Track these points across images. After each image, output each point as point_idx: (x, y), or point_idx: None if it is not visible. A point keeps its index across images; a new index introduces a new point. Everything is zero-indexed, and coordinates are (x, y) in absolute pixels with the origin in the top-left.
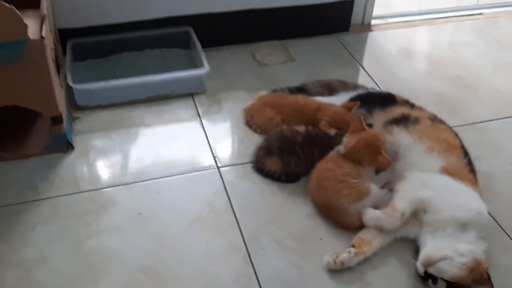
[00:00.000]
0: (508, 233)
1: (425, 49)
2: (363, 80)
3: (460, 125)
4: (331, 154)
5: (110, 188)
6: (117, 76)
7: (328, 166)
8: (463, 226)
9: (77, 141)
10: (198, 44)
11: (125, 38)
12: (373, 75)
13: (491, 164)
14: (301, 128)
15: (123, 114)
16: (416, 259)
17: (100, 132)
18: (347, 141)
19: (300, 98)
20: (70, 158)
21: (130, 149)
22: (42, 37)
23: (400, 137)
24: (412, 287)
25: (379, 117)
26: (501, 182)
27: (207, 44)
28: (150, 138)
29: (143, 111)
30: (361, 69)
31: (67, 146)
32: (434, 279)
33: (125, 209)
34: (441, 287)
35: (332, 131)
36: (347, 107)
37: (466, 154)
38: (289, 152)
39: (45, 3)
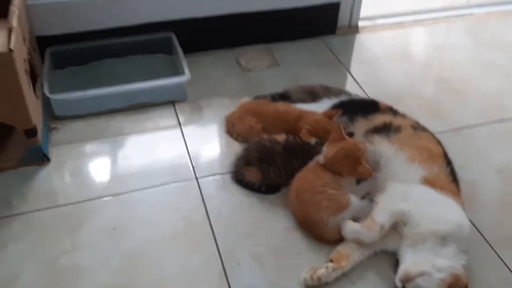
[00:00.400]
0: (492, 245)
1: (413, 51)
2: (348, 84)
3: (444, 131)
4: (311, 165)
5: (86, 202)
6: (99, 84)
7: (307, 177)
8: (443, 239)
9: (54, 152)
10: (180, 50)
11: (106, 44)
12: (359, 79)
13: (476, 172)
14: (281, 138)
15: (101, 124)
16: (394, 273)
17: (77, 143)
18: (327, 151)
19: (281, 106)
20: (46, 171)
21: (107, 160)
22: (10, 50)
23: (381, 147)
24: None
25: (361, 125)
26: (485, 191)
27: (190, 49)
28: (128, 148)
29: (121, 121)
30: (347, 73)
31: (43, 159)
32: None
33: (100, 224)
34: None
35: (313, 140)
36: (328, 115)
37: (449, 163)
38: (269, 163)
39: (16, 12)
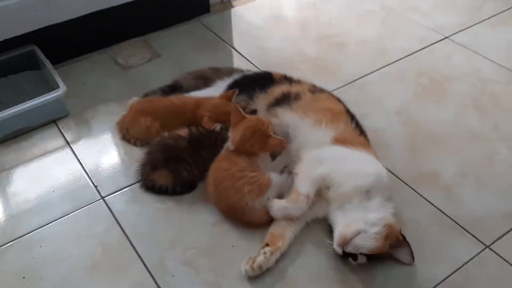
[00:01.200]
0: (410, 185)
1: (289, 15)
2: (236, 61)
3: (339, 87)
4: (222, 153)
5: None
6: None
7: (222, 166)
8: (367, 193)
9: None
10: (47, 62)
11: None
12: (245, 53)
13: (378, 119)
14: (184, 132)
15: None
16: (330, 239)
17: None
18: (233, 136)
19: (175, 98)
20: None
21: None
22: None
23: (286, 117)
24: (334, 269)
25: (261, 101)
26: (391, 135)
27: (59, 60)
28: (16, 183)
29: (1, 154)
30: (231, 49)
31: None
32: (354, 256)
33: (5, 277)
34: (362, 261)
35: (217, 126)
36: (226, 97)
37: (352, 117)
38: (177, 161)
39: None
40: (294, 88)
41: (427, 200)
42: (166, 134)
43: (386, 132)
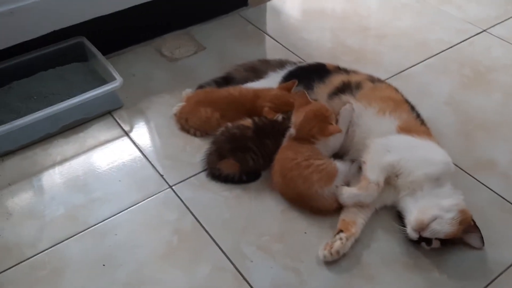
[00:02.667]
0: (468, 172)
1: (326, 7)
2: (279, 52)
3: (387, 78)
4: (285, 142)
5: (57, 246)
6: (14, 112)
7: (288, 156)
8: (437, 180)
9: None
10: (99, 54)
11: (10, 65)
12: (287, 44)
13: (428, 109)
14: (248, 122)
15: (39, 154)
16: (400, 225)
17: (18, 182)
18: (295, 118)
19: (233, 90)
20: None
21: (61, 192)
22: None
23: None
24: (407, 254)
25: (321, 90)
26: (443, 124)
27: (106, 51)
28: (78, 173)
29: (60, 145)
30: (273, 41)
31: None
32: (428, 240)
33: (85, 265)
34: (436, 245)
35: (279, 116)
36: (286, 87)
37: (412, 107)
38: (243, 150)
39: None
40: (353, 78)
41: (486, 186)
42: (230, 124)
43: (438, 121)
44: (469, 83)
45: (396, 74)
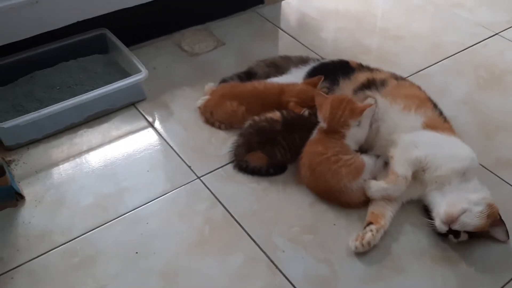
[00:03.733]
0: (490, 170)
1: (341, 7)
2: (298, 50)
3: (406, 77)
4: (314, 137)
5: (89, 233)
6: (38, 101)
7: (317, 150)
8: (464, 175)
9: (24, 188)
10: (122, 46)
11: (32, 55)
12: (306, 42)
13: (447, 108)
14: (276, 115)
15: (64, 143)
16: (428, 218)
17: (45, 170)
18: (322, 114)
19: (258, 84)
20: (26, 211)
21: (89, 180)
22: None
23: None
24: (435, 246)
25: (347, 86)
26: (462, 123)
27: (127, 44)
28: (106, 163)
29: (85, 135)
30: (291, 39)
31: (16, 198)
32: (456, 233)
33: (117, 252)
34: (464, 238)
35: (306, 111)
36: (311, 83)
37: (435, 105)
38: (272, 144)
39: None
40: (378, 75)
41: (508, 183)
42: (257, 117)
43: (457, 120)
44: (485, 84)
45: (413, 74)
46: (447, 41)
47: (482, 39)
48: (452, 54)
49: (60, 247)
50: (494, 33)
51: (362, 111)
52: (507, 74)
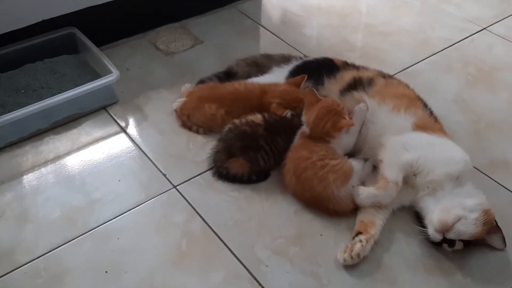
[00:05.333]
0: (483, 171)
1: (324, 3)
2: (280, 48)
3: (393, 75)
4: (298, 141)
5: (54, 251)
6: (1, 105)
7: (302, 155)
8: (457, 179)
9: None
10: (92, 46)
11: None
12: (288, 40)
13: (437, 107)
14: (258, 118)
15: (29, 151)
16: (420, 226)
17: (7, 182)
18: (307, 117)
19: (238, 85)
20: None
21: (55, 192)
22: None
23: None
24: (428, 256)
25: (332, 86)
26: (453, 123)
27: (98, 44)
28: (74, 172)
29: (52, 142)
30: (273, 36)
31: None
32: (451, 242)
33: (86, 272)
34: (459, 247)
35: (288, 113)
36: (295, 82)
37: (425, 104)
38: (254, 149)
39: None
40: (364, 73)
41: (503, 186)
42: (237, 120)
43: (447, 119)
44: (474, 81)
45: (401, 71)
46: (434, 37)
47: (469, 34)
48: (439, 50)
49: (22, 267)
50: (482, 28)
51: (342, 127)
52: (496, 71)
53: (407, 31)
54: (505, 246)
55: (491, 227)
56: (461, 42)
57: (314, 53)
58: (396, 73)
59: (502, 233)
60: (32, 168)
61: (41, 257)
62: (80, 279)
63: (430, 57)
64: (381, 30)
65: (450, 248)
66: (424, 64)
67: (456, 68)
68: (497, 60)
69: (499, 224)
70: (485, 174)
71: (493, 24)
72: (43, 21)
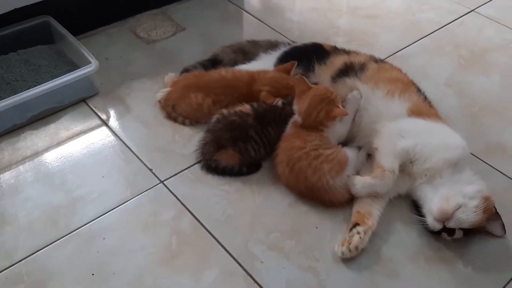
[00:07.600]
0: (479, 157)
1: None
2: (266, 33)
3: (383, 59)
4: (290, 130)
5: (36, 254)
6: None
7: (295, 145)
8: (455, 166)
9: None
10: (69, 35)
11: None
12: (274, 26)
13: (430, 91)
14: (246, 108)
15: (5, 149)
16: (418, 215)
17: None
18: (299, 106)
19: (226, 72)
20: None
21: (35, 191)
22: None
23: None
24: (428, 246)
25: (323, 72)
26: (446, 107)
27: (74, 33)
28: (54, 169)
29: (30, 138)
30: (258, 22)
31: None
32: (451, 231)
33: (70, 275)
34: (459, 235)
35: (279, 101)
36: (284, 69)
37: (419, 89)
38: (244, 140)
39: None
40: (355, 58)
41: (500, 171)
42: (225, 110)
43: (441, 104)
44: (466, 64)
45: (391, 55)
46: (424, 19)
47: (458, 16)
48: (429, 33)
49: (2, 272)
50: (470, 10)
51: (336, 116)
52: (487, 52)
53: (395, 14)
54: (505, 233)
55: (491, 214)
56: (450, 24)
57: (303, 39)
58: (387, 57)
59: (502, 220)
60: (9, 166)
61: (22, 261)
62: (65, 284)
63: (420, 40)
64: (370, 12)
65: (450, 237)
66: (414, 48)
67: (447, 51)
68: (488, 42)
69: (501, 209)
70: (480, 159)
71: (481, 5)
72: (16, 9)
